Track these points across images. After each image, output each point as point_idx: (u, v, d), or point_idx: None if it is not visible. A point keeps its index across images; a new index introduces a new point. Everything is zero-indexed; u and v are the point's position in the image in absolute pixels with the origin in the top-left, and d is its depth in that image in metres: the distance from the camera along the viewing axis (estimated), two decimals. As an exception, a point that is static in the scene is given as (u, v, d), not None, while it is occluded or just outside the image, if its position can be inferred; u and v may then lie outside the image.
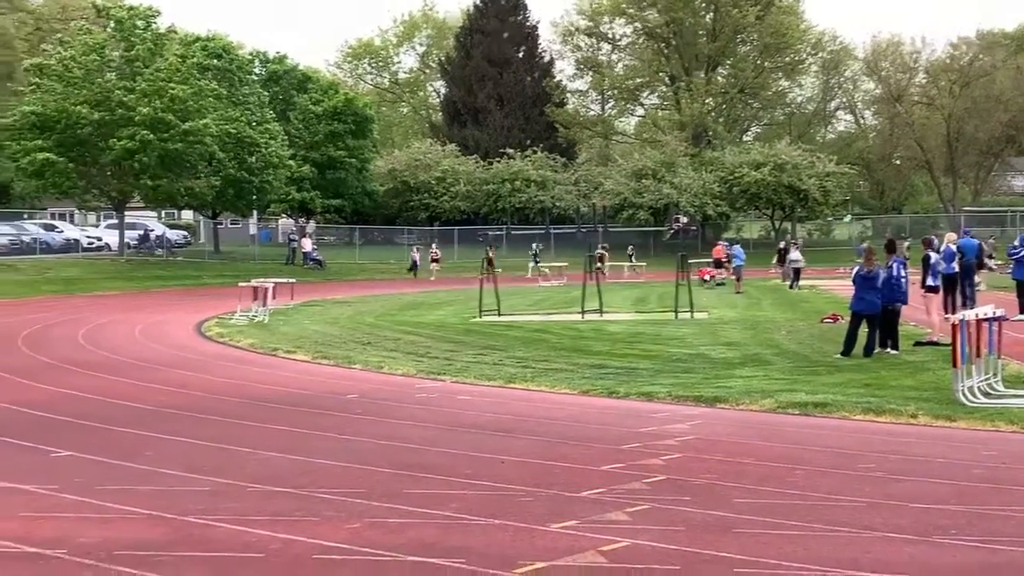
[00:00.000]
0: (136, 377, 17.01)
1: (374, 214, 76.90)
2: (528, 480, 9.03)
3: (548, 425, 12.23)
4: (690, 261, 32.58)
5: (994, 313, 14.59)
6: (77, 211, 69.72)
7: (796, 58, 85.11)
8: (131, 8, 55.20)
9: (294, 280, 38.37)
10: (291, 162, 61.53)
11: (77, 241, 56.56)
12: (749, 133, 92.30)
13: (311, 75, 74.57)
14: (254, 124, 58.30)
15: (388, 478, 9.20)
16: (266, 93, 63.80)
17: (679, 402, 13.96)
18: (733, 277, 42.62)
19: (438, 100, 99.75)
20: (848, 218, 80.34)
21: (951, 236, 25.60)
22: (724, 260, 45.89)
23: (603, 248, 50.70)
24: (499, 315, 29.05)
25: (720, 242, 50.39)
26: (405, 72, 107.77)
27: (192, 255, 58.48)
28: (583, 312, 28.65)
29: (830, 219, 79.95)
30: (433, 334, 24.25)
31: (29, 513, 7.95)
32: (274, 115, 62.42)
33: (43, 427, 12.10)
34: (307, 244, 61.81)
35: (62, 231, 58.85)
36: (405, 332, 24.88)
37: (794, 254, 43.44)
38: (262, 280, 32.40)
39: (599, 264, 45.33)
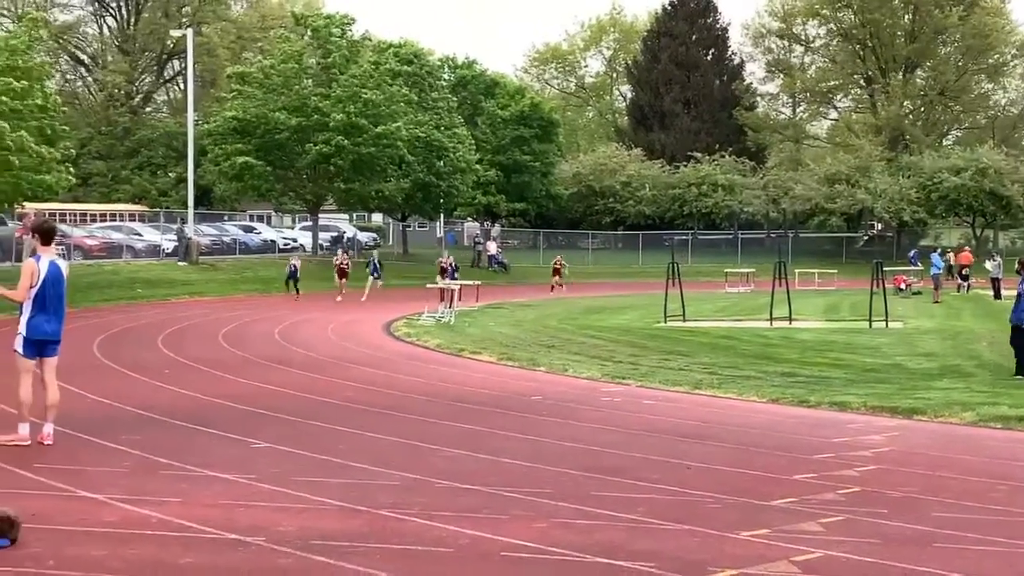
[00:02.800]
0: (329, 374, 17.56)
1: (558, 218, 77.26)
2: (716, 487, 8.92)
3: (736, 432, 12.07)
4: (885, 268, 31.57)
5: None
6: (274, 213, 72.62)
7: (1001, 60, 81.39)
8: (328, 17, 57.05)
9: (480, 282, 38.92)
10: (478, 166, 62.42)
11: (274, 242, 58.77)
12: (949, 137, 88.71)
13: (498, 80, 75.52)
14: (443, 128, 59.42)
15: (574, 479, 9.24)
16: (455, 98, 64.92)
17: (874, 413, 13.55)
18: (932, 287, 41.07)
19: (624, 104, 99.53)
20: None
21: None
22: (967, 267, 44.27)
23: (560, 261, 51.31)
24: (684, 320, 28.80)
25: (966, 247, 48.64)
26: (591, 76, 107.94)
27: (381, 257, 60.00)
28: (771, 319, 28.11)
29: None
30: (617, 338, 24.23)
31: (229, 501, 8.29)
32: (462, 120, 63.47)
33: (243, 419, 12.62)
34: (492, 247, 62.61)
35: (260, 232, 61.28)
36: (589, 336, 24.93)
37: (990, 264, 41.61)
38: (449, 282, 32.98)
39: (557, 277, 47.97)
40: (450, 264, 42.56)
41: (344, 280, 39.71)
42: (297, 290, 39.82)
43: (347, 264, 41.20)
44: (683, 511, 8.05)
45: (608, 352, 21.11)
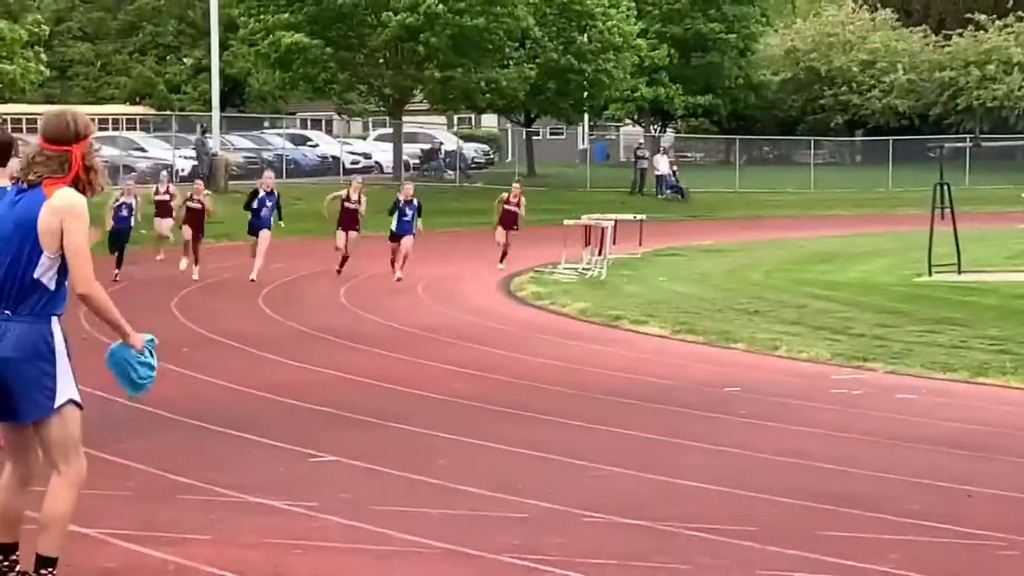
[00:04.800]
0: (420, 354, 17.74)
1: (763, 119, 76.58)
2: (1012, 524, 8.81)
3: (1040, 442, 11.86)
4: None
5: None
6: (337, 117, 73.47)
7: None
8: None
9: (644, 217, 38.84)
10: (640, 41, 62.13)
11: (336, 159, 59.54)
12: None
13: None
14: (587, -15, 59.27)
15: (790, 511, 9.23)
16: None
17: None
18: None
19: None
20: None
21: None
22: None
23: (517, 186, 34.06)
24: (959, 272, 28.29)
25: None
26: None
27: (497, 179, 60.18)
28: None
29: None
30: (855, 300, 24.00)
31: (278, 539, 8.47)
32: (616, -29, 63.20)
33: (299, 421, 12.86)
34: (663, 164, 62.40)
35: (316, 145, 62.17)
36: (812, 296, 24.70)
37: None
38: (598, 217, 32.96)
39: (508, 206, 31.74)
40: None
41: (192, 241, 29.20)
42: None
43: (199, 202, 29.37)
44: (960, 561, 7.99)
45: (842, 321, 20.90)
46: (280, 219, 28.32)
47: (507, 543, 8.34)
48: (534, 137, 69.20)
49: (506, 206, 32.01)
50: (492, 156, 71.63)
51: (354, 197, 29.25)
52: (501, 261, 31.31)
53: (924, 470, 10.62)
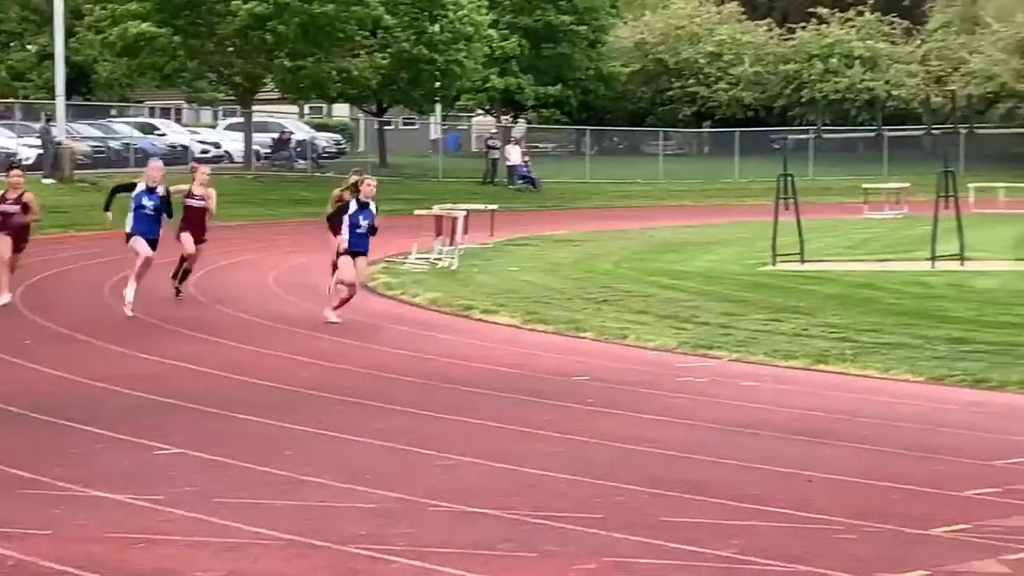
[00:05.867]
0: (268, 344, 17.65)
1: (614, 110, 77.00)
2: (849, 508, 8.95)
3: (878, 428, 12.10)
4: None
5: None
6: (186, 106, 72.64)
7: None
8: None
9: (496, 207, 38.88)
10: (491, 32, 62.19)
11: (185, 148, 58.86)
12: None
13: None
14: (437, -24, 59.21)
15: (636, 499, 9.29)
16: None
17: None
18: None
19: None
20: None
21: None
22: None
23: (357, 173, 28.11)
24: (802, 261, 28.69)
25: None
26: None
27: (345, 168, 59.97)
28: (933, 258, 27.99)
29: None
30: (703, 288, 24.21)
31: (122, 533, 8.37)
32: (467, -38, 63.19)
33: (144, 413, 12.70)
34: (514, 154, 62.53)
35: (164, 134, 61.37)
36: (659, 286, 24.90)
37: None
38: (450, 207, 32.94)
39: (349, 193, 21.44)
40: None
41: None
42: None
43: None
44: (800, 544, 8.07)
45: (689, 310, 21.08)
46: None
47: (354, 534, 8.30)
48: (386, 127, 68.95)
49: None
50: (344, 146, 71.26)
51: (198, 192, 22.82)
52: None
53: (767, 456, 10.75)
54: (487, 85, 67.39)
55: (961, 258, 28.10)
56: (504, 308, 21.42)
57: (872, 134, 66.22)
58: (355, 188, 20.09)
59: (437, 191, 52.33)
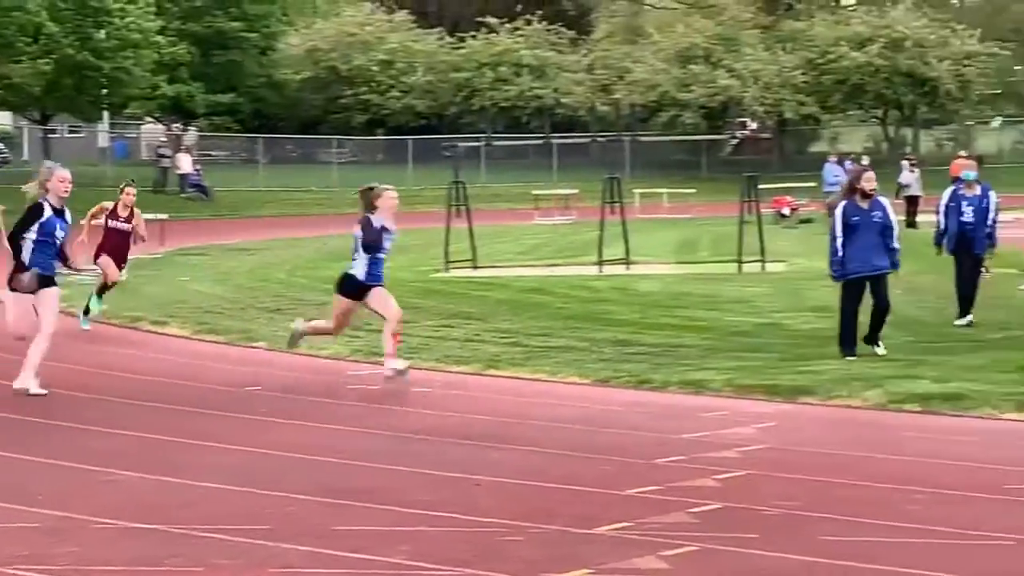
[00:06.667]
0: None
1: (287, 117, 76.55)
2: (517, 511, 9.07)
3: (547, 430, 12.31)
4: (760, 187, 32.56)
5: None
6: None
7: None
8: None
9: (166, 216, 38.30)
10: (159, 38, 61.22)
11: None
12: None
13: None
14: (102, -19, 58.01)
15: (305, 508, 9.25)
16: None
17: (743, 395, 14.03)
18: (825, 211, 42.60)
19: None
20: (998, 122, 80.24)
21: None
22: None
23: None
24: (474, 267, 29.03)
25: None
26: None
27: (10, 178, 58.08)
28: (600, 263, 28.65)
29: (971, 124, 79.92)
30: (375, 296, 24.28)
31: None
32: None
33: None
34: (185, 163, 61.67)
35: None
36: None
37: (905, 176, 43.50)
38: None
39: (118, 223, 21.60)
40: None
41: None
42: None
43: None
44: (467, 548, 8.15)
45: (362, 318, 21.13)
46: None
47: (15, 554, 8.06)
48: (51, 135, 67.22)
49: (114, 223, 20.98)
50: (7, 155, 69.15)
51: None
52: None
53: (437, 462, 10.82)
54: (156, 92, 66.35)
55: (627, 262, 28.84)
56: (174, 319, 21.11)
57: (541, 141, 67.52)
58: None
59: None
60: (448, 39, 77.54)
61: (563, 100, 75.28)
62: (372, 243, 14.79)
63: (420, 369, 16.20)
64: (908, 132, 76.24)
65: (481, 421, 12.84)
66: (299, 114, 76.69)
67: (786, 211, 45.20)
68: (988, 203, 19.14)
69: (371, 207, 15.04)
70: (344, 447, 11.53)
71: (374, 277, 15.07)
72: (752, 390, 14.15)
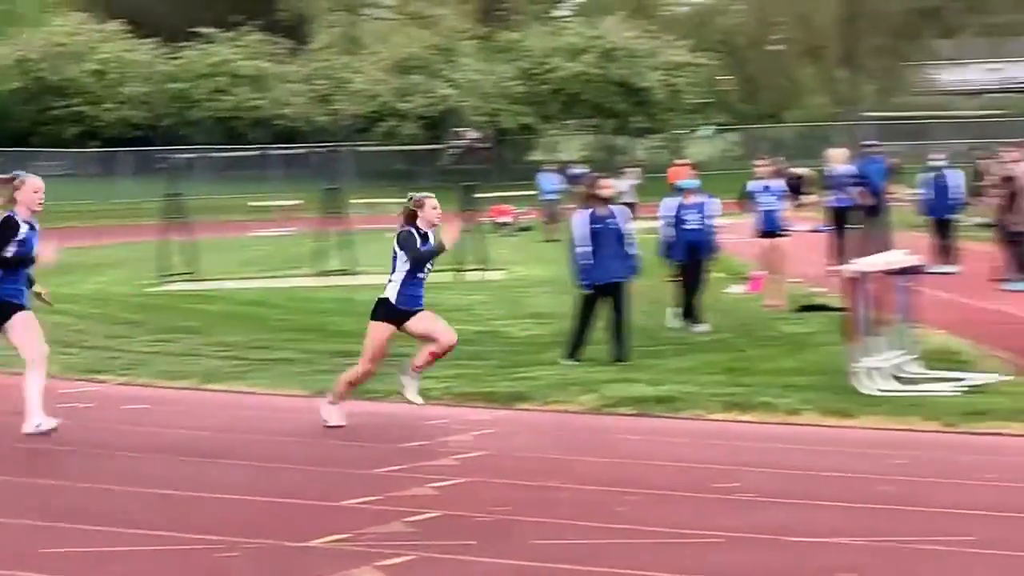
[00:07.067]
0: None
1: (-5, 129, 74.57)
2: (233, 526, 8.98)
3: (265, 444, 12.27)
4: (477, 196, 32.93)
5: (907, 263, 15.29)
6: None
7: None
8: None
9: None
10: None
11: None
12: (563, 5, 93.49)
13: None
14: None
15: (13, 533, 9.01)
16: None
17: (462, 403, 14.17)
18: (543, 220, 43.29)
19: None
20: (710, 130, 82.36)
21: (838, 154, 27.70)
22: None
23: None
24: (194, 281, 28.68)
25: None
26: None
27: None
28: (321, 274, 28.59)
29: (684, 132, 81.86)
30: (89, 312, 23.79)
31: None
32: None
33: None
34: None
35: None
36: (46, 311, 24.20)
37: (622, 184, 44.40)
38: None
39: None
40: None
41: None
42: None
43: None
44: (182, 566, 8.06)
45: (75, 334, 20.52)
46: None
47: None
48: None
49: None
50: None
51: None
52: None
53: (150, 480, 10.64)
54: None
55: (348, 272, 28.83)
56: None
57: (259, 152, 66.97)
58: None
59: None
60: (164, 49, 76.46)
61: (282, 111, 74.85)
62: (419, 259, 12.96)
63: (135, 385, 16.01)
64: (622, 140, 77.70)
65: (200, 437, 12.66)
66: (9, 126, 74.67)
67: (509, 219, 45.74)
68: (708, 210, 19.64)
69: (412, 218, 13.20)
70: (50, 467, 11.33)
71: (415, 300, 13.18)
72: (471, 398, 14.29)
